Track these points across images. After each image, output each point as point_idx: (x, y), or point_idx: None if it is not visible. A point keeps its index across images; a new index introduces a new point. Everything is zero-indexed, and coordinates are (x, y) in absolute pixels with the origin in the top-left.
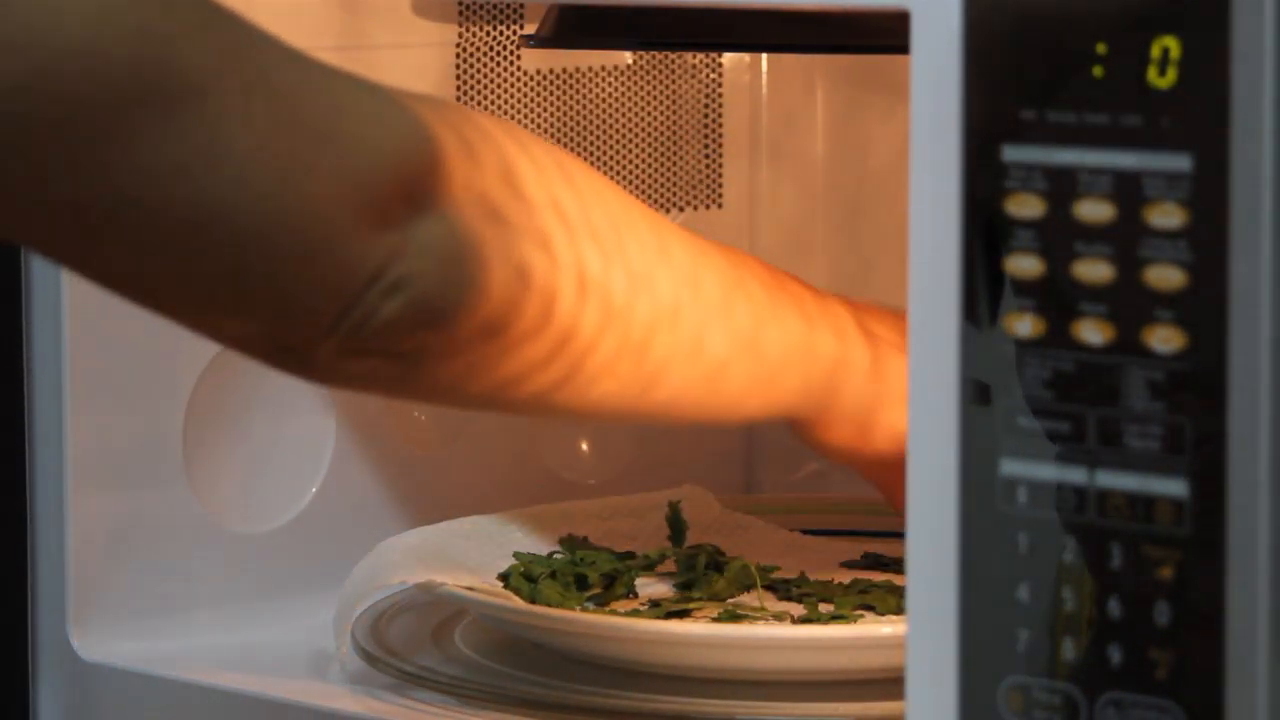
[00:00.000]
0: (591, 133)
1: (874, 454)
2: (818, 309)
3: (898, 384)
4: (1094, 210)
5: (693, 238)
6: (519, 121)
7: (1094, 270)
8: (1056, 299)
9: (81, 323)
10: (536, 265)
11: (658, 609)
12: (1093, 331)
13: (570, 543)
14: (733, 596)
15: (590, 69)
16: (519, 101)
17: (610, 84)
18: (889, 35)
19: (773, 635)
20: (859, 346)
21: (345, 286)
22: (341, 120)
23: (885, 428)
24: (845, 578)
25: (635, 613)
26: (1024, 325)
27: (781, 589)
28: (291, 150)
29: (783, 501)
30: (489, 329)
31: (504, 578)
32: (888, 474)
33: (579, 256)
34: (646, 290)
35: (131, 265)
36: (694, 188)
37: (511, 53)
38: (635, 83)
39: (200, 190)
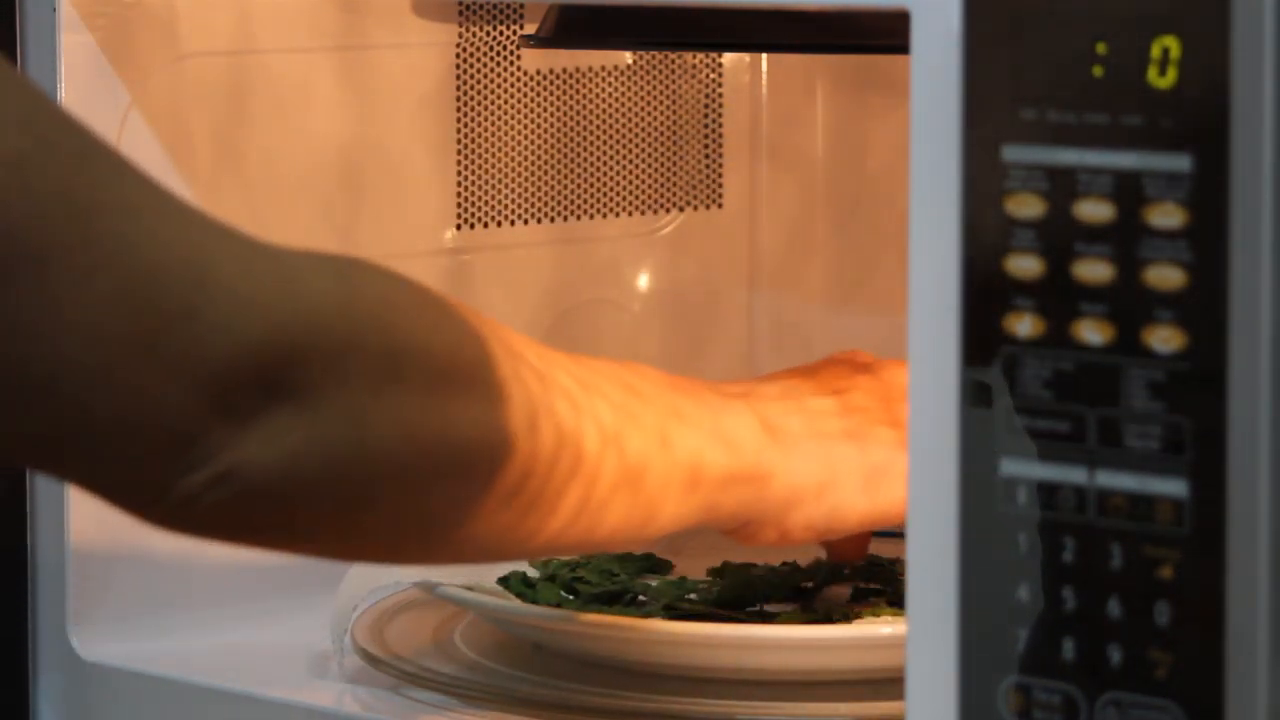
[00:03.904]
0: (591, 133)
1: (798, 543)
2: (711, 424)
3: (807, 479)
4: (1094, 210)
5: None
6: (519, 121)
7: (1094, 270)
8: (1056, 299)
9: None
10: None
11: (656, 609)
12: (1093, 331)
13: None
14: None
15: (590, 69)
16: (519, 101)
17: (610, 84)
18: (889, 35)
19: (773, 635)
20: (757, 455)
21: (165, 471)
22: (205, 302)
23: (800, 525)
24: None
25: (634, 612)
26: (1024, 325)
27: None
28: (132, 331)
29: None
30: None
31: (503, 580)
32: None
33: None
34: (615, 444)
35: None
36: (694, 188)
37: (511, 53)
38: (635, 83)
39: (26, 355)
